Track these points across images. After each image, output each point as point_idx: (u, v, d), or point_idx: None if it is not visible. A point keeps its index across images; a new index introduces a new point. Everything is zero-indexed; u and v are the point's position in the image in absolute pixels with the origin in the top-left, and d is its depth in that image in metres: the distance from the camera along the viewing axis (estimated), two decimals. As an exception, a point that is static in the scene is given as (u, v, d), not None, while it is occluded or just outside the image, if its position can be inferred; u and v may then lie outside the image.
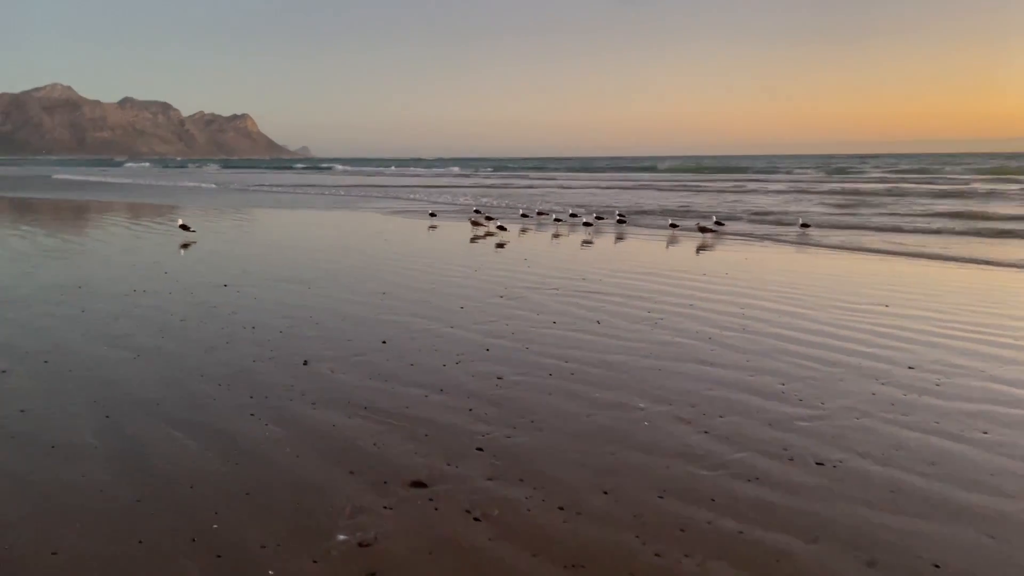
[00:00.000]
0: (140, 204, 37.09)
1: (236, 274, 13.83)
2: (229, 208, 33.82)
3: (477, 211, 27.23)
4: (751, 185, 53.41)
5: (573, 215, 25.51)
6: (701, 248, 19.01)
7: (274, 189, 53.19)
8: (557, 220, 25.19)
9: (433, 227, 24.34)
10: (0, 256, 16.52)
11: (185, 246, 18.41)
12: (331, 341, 8.96)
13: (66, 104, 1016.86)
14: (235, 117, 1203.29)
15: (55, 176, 79.87)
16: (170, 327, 9.56)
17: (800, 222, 23.94)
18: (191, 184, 61.50)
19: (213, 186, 57.88)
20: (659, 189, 50.68)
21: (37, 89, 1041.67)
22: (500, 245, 19.45)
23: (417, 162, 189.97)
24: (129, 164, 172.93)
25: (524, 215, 26.52)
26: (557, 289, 12.57)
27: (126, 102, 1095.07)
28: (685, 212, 30.44)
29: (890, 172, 77.06)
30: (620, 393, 7.07)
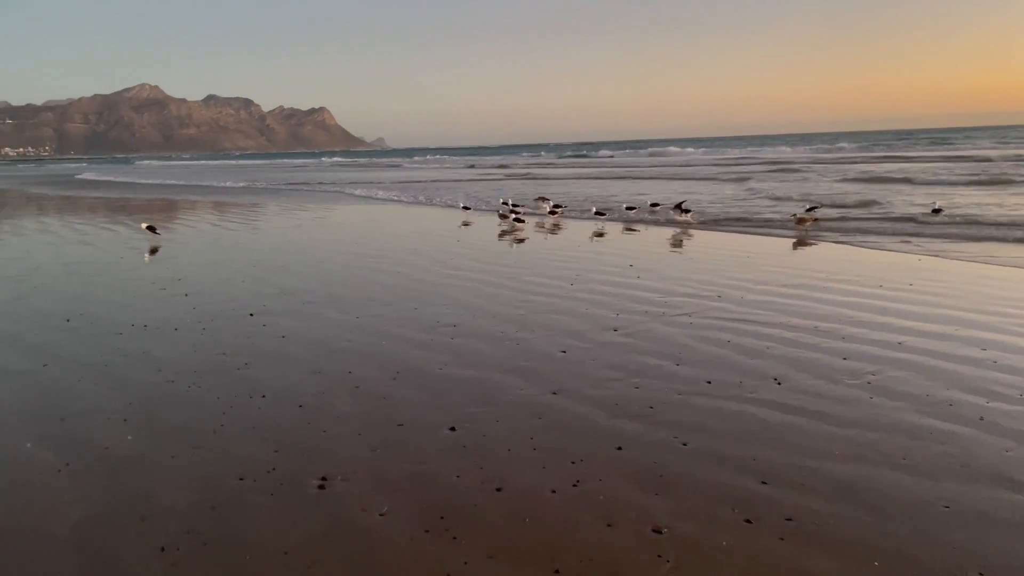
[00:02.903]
0: (226, 203, 35.02)
1: (272, 295, 10.87)
2: (296, 206, 31.24)
3: (525, 204, 23.56)
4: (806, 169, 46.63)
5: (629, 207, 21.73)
6: (800, 245, 15.08)
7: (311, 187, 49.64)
8: (629, 208, 21.60)
9: (467, 223, 20.88)
10: (5, 272, 14.04)
11: (153, 251, 16.03)
12: (372, 425, 5.78)
13: (154, 103, 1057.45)
14: (313, 111, 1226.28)
15: (78, 176, 72.35)
16: (146, 396, 6.56)
17: (934, 205, 19.44)
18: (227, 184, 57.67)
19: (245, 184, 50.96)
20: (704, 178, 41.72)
21: (127, 89, 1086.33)
22: (593, 245, 16.06)
23: (486, 150, 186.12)
24: (141, 162, 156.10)
25: (629, 208, 22.32)
26: (689, 315, 9.11)
27: (210, 99, 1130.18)
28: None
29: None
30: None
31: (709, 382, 6.63)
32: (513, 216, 19.57)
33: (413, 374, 7.05)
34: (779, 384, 6.53)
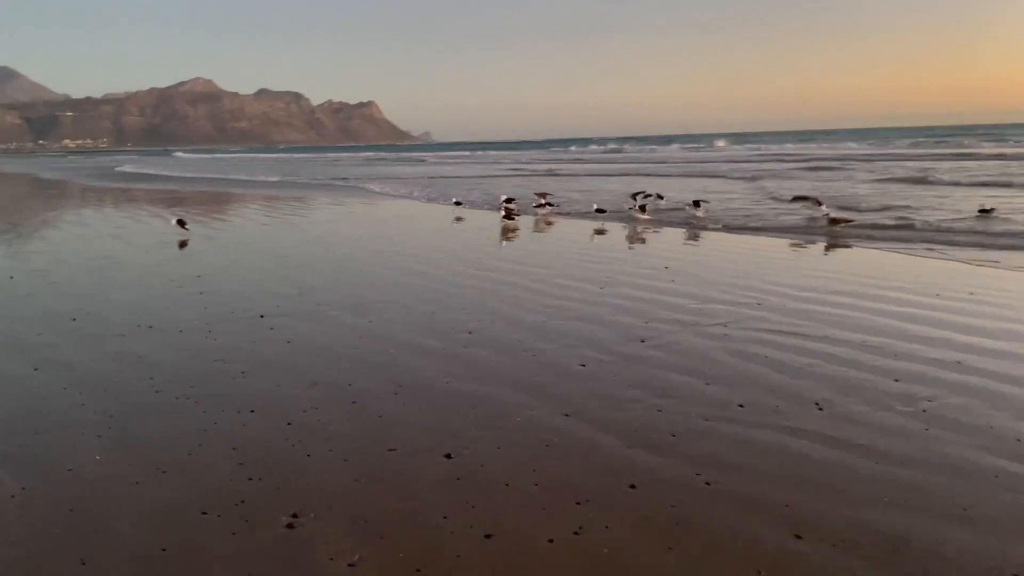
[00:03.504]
0: (253, 196, 35.07)
1: (286, 295, 10.45)
2: (334, 201, 31.05)
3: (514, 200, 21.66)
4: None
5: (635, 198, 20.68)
6: (829, 247, 14.06)
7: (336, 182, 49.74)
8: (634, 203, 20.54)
9: (459, 218, 20.45)
10: (27, 265, 13.89)
11: (181, 246, 15.88)
12: (361, 449, 5.24)
13: (208, 97, 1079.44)
14: (361, 104, 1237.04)
15: (117, 169, 70.34)
16: (129, 407, 6.13)
17: (983, 206, 17.79)
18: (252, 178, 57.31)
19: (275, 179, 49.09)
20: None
21: (182, 83, 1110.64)
22: (630, 244, 15.39)
23: (529, 144, 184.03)
24: (178, 154, 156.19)
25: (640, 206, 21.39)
26: (725, 325, 8.40)
27: (262, 93, 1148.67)
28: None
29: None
30: None
31: (741, 406, 5.94)
32: (503, 213, 18.98)
33: (416, 388, 6.50)
34: (821, 410, 5.81)
